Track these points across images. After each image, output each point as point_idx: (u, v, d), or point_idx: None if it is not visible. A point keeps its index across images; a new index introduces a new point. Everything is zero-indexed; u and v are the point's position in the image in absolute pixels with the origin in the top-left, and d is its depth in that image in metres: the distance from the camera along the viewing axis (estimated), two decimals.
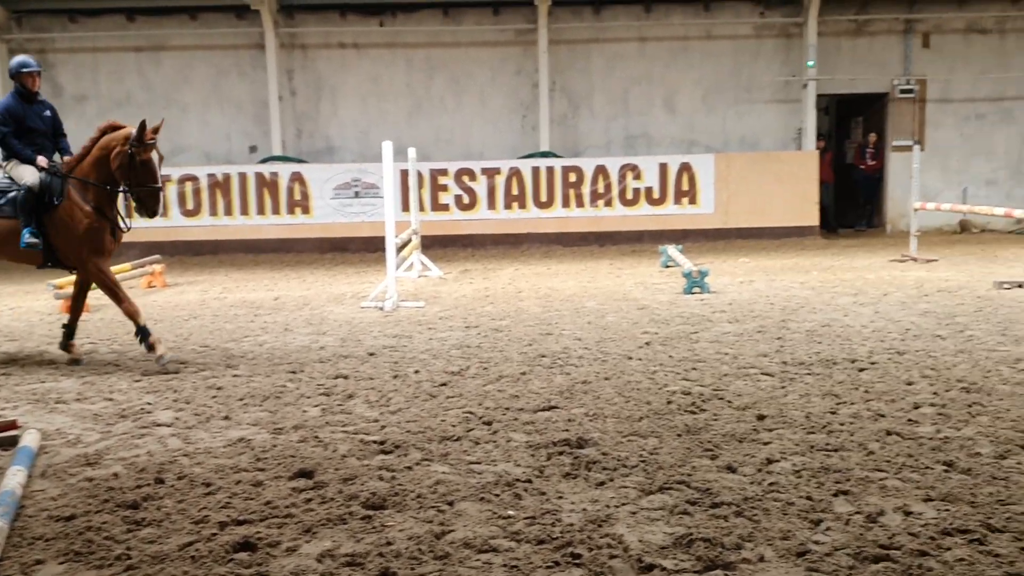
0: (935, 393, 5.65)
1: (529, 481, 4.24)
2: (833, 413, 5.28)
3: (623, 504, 3.95)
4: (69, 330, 7.38)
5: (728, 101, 17.11)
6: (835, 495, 4.01)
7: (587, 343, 7.49)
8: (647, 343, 7.42)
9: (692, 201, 16.33)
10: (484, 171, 16.27)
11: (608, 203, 16.26)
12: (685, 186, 16.30)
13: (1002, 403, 5.37)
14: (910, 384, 5.91)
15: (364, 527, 3.72)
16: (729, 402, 5.56)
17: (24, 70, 7.29)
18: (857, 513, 3.80)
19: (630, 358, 6.86)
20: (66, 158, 7.37)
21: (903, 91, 17.20)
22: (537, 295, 10.36)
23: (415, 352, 7.27)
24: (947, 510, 3.80)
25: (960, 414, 5.18)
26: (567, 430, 5.01)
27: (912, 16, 17.04)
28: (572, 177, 16.22)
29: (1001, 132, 17.30)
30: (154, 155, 6.91)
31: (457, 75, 16.97)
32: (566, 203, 16.23)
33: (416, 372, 6.54)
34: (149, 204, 6.94)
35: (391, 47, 16.99)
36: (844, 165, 18.58)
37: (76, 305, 7.54)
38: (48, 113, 7.50)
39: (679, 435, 4.91)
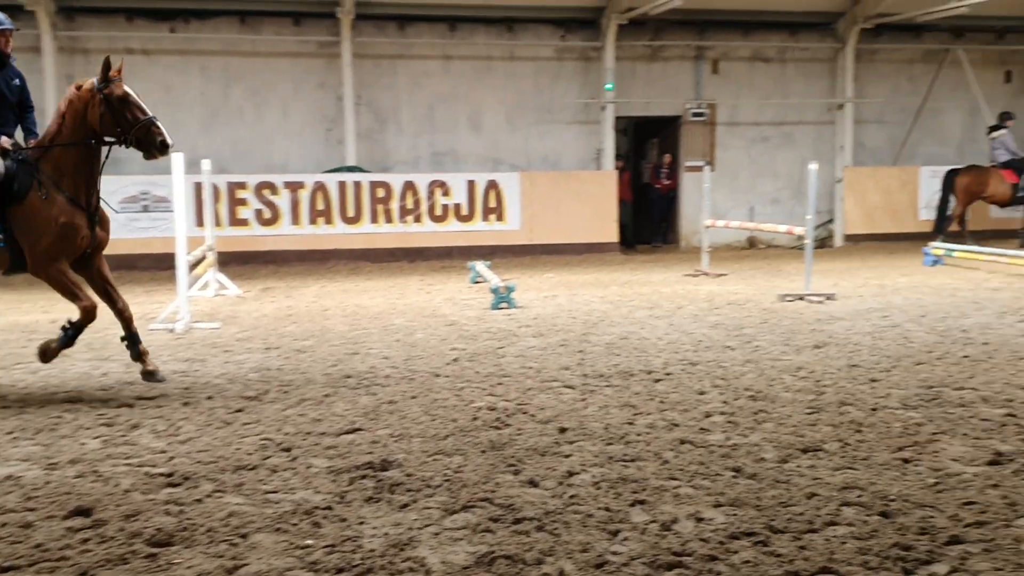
0: (725, 402, 5.93)
1: (329, 508, 4.11)
2: (630, 424, 5.43)
3: (426, 525, 3.90)
4: (131, 338, 6.50)
5: (531, 121, 17.49)
6: (632, 505, 4.11)
7: (395, 361, 7.38)
8: (455, 360, 7.41)
9: (499, 218, 16.56)
10: (287, 185, 15.78)
11: (417, 219, 16.20)
12: (492, 203, 16.51)
13: (784, 410, 5.71)
14: (702, 394, 6.18)
15: (148, 566, 3.48)
16: (532, 416, 5.62)
17: None
18: (653, 522, 3.90)
19: (438, 375, 6.82)
20: (32, 142, 6.36)
21: (695, 114, 18.19)
22: (344, 313, 10.14)
23: (209, 377, 6.90)
24: (735, 514, 3.97)
25: (747, 421, 5.46)
26: (371, 453, 4.90)
27: (702, 43, 18.06)
28: (380, 192, 16.05)
29: (783, 154, 18.62)
30: (128, 88, 6.19)
31: (257, 85, 16.41)
32: (374, 219, 16.03)
33: (209, 398, 6.20)
34: (151, 139, 6.15)
35: (184, 54, 16.21)
36: (641, 184, 19.42)
37: (116, 307, 6.47)
38: (17, 82, 6.45)
39: (484, 452, 4.91)
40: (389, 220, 16.09)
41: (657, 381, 6.57)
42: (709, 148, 18.35)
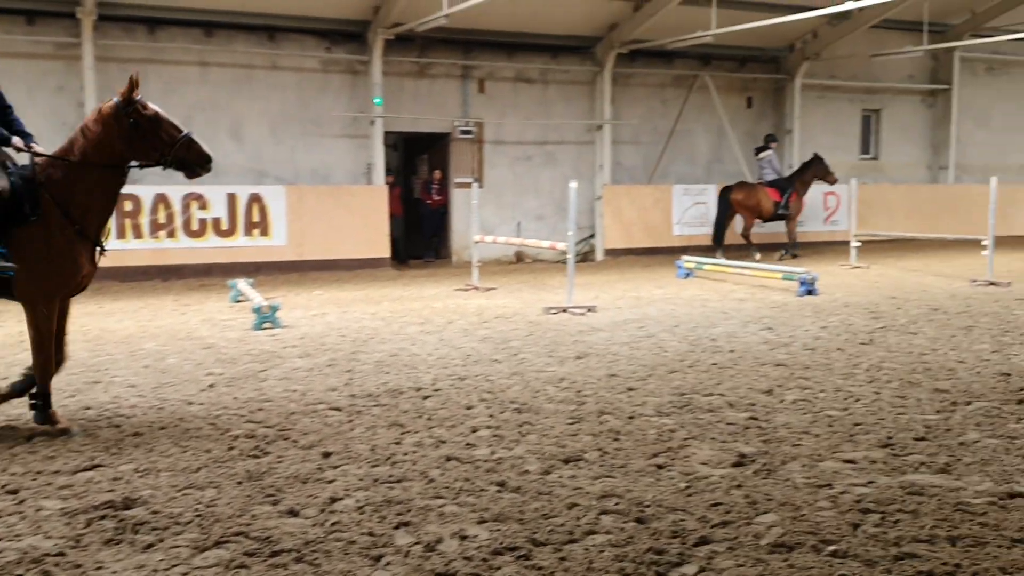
0: (491, 416, 5.97)
1: (62, 554, 3.75)
2: (397, 444, 5.34)
3: (174, 566, 3.64)
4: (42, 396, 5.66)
5: (296, 133, 16.99)
6: (396, 527, 4.03)
7: (142, 390, 6.87)
8: (211, 385, 7.00)
9: (264, 233, 15.93)
10: None
11: (171, 234, 15.25)
12: (256, 217, 15.85)
13: (548, 421, 5.82)
14: (469, 408, 6.18)
15: None
16: (295, 442, 5.40)
17: None
18: (417, 543, 3.83)
19: (191, 403, 6.41)
20: (36, 148, 5.64)
21: (463, 132, 18.41)
22: (86, 338, 9.32)
23: None
24: (499, 530, 3.96)
25: (512, 434, 5.51)
26: (112, 490, 4.52)
27: (468, 63, 18.33)
28: (128, 206, 14.90)
29: (546, 172, 19.23)
30: (155, 106, 5.64)
31: None
32: (122, 234, 14.83)
33: None
34: (193, 157, 5.66)
35: None
36: (413, 199, 19.43)
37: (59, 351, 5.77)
38: None
39: (240, 483, 4.66)
40: (139, 236, 15.00)
41: (426, 398, 6.52)
42: (477, 165, 18.64)
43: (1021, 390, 6.45)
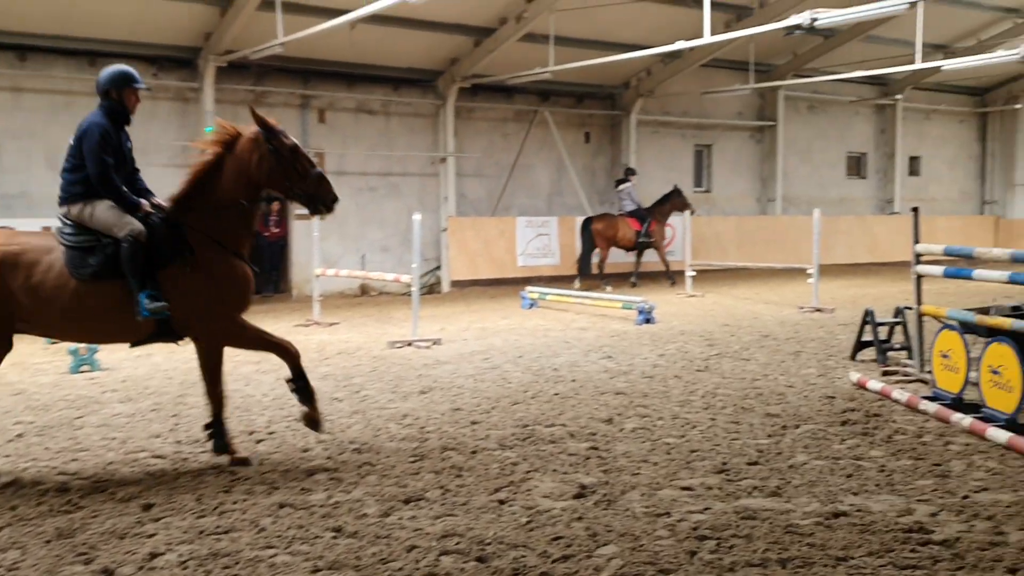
0: (329, 458, 5.74)
1: None
2: (226, 492, 5.04)
3: None
4: (217, 425, 5.71)
5: None
6: None
7: None
8: (19, 435, 6.44)
9: None
10: None
11: None
12: None
13: (389, 460, 5.64)
14: (306, 451, 5.93)
15: None
16: (113, 494, 5.01)
17: (134, 85, 5.74)
18: None
19: None
20: (157, 201, 5.79)
21: None
22: None
23: None
24: None
25: (351, 476, 5.30)
26: None
27: (307, 92, 17.96)
28: None
29: (390, 204, 19.03)
30: (293, 138, 5.79)
31: None
32: None
33: None
34: (322, 195, 5.75)
35: None
36: None
37: (216, 391, 5.79)
38: (130, 144, 5.89)
39: (48, 541, 4.28)
40: None
41: (259, 442, 6.23)
42: None
43: (844, 412, 6.76)
